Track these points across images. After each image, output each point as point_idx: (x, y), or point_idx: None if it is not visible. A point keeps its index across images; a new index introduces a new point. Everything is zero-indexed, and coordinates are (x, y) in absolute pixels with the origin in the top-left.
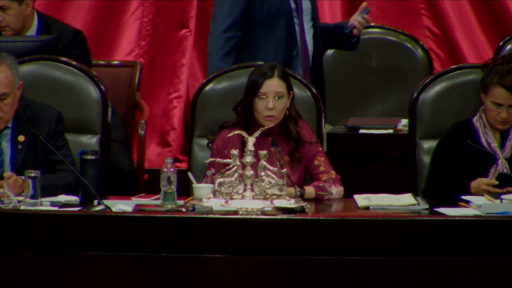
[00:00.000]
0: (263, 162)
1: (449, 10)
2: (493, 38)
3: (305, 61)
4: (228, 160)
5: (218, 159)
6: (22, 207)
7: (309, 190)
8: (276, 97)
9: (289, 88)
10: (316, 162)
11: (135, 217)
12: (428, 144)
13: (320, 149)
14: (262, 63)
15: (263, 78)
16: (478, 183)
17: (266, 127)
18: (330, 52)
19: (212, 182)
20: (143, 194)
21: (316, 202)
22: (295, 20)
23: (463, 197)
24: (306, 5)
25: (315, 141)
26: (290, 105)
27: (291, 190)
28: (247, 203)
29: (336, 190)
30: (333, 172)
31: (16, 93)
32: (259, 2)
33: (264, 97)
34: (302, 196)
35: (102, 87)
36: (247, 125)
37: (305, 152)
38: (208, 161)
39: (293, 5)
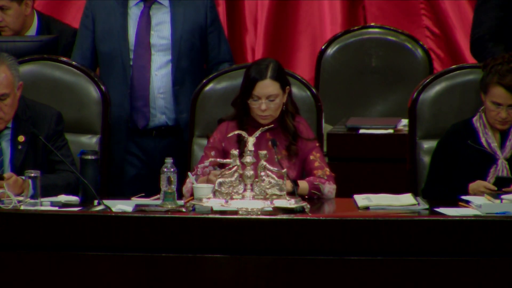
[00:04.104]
0: (263, 162)
1: (449, 10)
2: None
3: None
4: (228, 160)
5: (218, 159)
6: (22, 207)
7: (303, 185)
8: (269, 99)
9: (284, 84)
10: (311, 157)
11: (135, 217)
12: (428, 144)
13: (317, 145)
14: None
15: (256, 78)
16: (477, 185)
17: (266, 127)
18: (330, 51)
19: (203, 175)
20: (143, 194)
21: (310, 200)
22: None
23: (463, 197)
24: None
25: (312, 138)
26: (287, 100)
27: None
28: (247, 203)
29: (329, 188)
30: (328, 169)
31: (16, 93)
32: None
33: (257, 99)
34: (294, 193)
35: (102, 87)
36: (244, 121)
37: (302, 146)
38: (209, 161)
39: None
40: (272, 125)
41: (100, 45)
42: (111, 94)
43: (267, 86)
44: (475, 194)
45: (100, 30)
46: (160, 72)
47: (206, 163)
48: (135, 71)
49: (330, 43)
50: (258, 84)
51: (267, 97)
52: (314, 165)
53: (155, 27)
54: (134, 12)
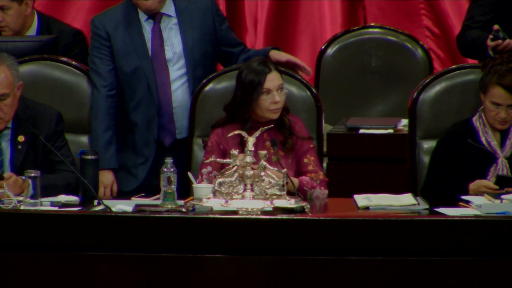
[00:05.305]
0: (263, 162)
1: (449, 10)
2: None
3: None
4: (228, 160)
5: (218, 159)
6: (22, 207)
7: (294, 182)
8: (279, 90)
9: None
10: (305, 160)
11: (135, 217)
12: (428, 144)
13: (312, 146)
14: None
15: (263, 74)
16: (478, 185)
17: (266, 127)
18: (330, 52)
19: (209, 180)
20: (143, 194)
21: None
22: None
23: (463, 197)
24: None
25: (307, 137)
26: None
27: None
28: (247, 203)
29: (319, 193)
30: (321, 173)
31: (16, 93)
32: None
33: (268, 92)
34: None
35: None
36: (244, 123)
37: (297, 146)
38: (208, 161)
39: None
40: (272, 125)
41: (122, 64)
42: (137, 115)
43: (276, 78)
44: (475, 194)
45: (119, 49)
46: (175, 85)
47: (209, 168)
48: (159, 88)
49: (330, 43)
50: (268, 77)
51: (278, 87)
52: (307, 169)
53: (167, 41)
54: (146, 29)
